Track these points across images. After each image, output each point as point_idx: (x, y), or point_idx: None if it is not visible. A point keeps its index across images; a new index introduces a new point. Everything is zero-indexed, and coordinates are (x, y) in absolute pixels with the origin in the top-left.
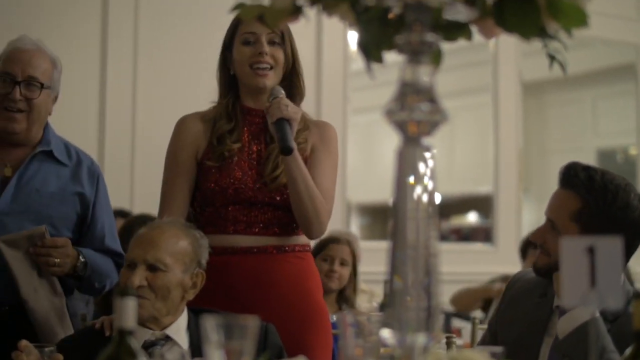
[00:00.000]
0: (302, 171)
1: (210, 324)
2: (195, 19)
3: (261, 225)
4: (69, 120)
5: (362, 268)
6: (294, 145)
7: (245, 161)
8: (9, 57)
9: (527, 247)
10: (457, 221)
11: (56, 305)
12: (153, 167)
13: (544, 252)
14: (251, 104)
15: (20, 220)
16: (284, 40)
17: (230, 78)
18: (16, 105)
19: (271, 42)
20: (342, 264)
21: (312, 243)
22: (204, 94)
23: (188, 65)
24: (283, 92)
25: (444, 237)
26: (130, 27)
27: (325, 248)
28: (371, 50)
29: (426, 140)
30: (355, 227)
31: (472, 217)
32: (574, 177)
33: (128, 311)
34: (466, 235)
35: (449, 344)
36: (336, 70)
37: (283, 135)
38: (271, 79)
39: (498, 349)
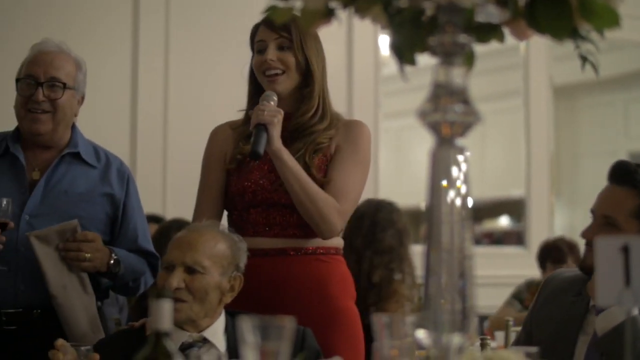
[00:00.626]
0: (293, 172)
1: (247, 325)
2: (227, 22)
3: (279, 227)
4: (101, 125)
5: None
6: (262, 150)
7: (266, 164)
8: (32, 60)
9: (545, 258)
10: (489, 225)
11: (86, 303)
12: (185, 171)
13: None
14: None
15: (49, 222)
16: (294, 44)
17: (257, 85)
18: (40, 106)
19: (280, 47)
20: None
21: None
22: (237, 98)
23: (220, 68)
24: (274, 97)
25: (476, 241)
26: (161, 30)
27: None
28: (404, 53)
29: (460, 142)
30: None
31: (504, 221)
32: (633, 173)
33: (164, 313)
34: (498, 238)
35: (483, 346)
36: (367, 75)
37: (255, 140)
38: (282, 84)
39: (533, 349)
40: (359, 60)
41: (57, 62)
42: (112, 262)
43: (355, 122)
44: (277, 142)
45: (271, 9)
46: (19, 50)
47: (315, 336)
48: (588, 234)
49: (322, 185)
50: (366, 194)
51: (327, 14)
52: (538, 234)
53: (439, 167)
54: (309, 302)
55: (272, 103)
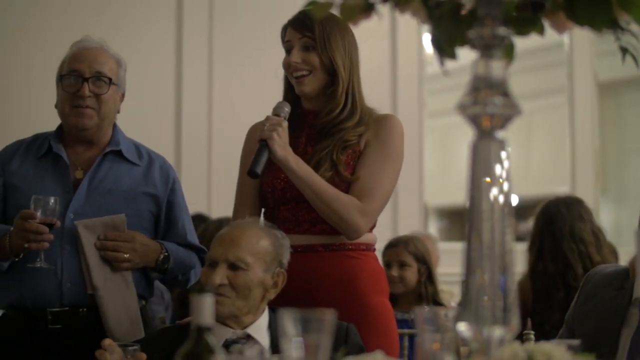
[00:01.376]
0: (304, 179)
1: (288, 319)
2: (270, 19)
3: (308, 223)
4: (146, 126)
5: (441, 269)
6: (259, 170)
7: None
8: (74, 56)
9: None
10: None
11: (126, 298)
12: (230, 170)
13: None
14: (308, 106)
15: None
16: (318, 44)
17: (291, 84)
18: (85, 101)
19: (305, 48)
20: (402, 265)
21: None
22: (280, 96)
23: (263, 66)
24: (285, 108)
25: (521, 238)
26: (205, 28)
27: (384, 255)
28: (444, 47)
29: (501, 134)
30: (434, 229)
31: None
32: None
33: (205, 308)
34: None
35: (525, 341)
36: (411, 74)
37: (254, 158)
38: (309, 85)
39: (575, 341)
40: (403, 58)
41: (100, 58)
42: (161, 257)
43: (387, 116)
44: (281, 153)
45: (311, 4)
46: (61, 55)
47: None
48: None
49: (350, 183)
50: (411, 193)
51: (367, 9)
52: None
53: (480, 160)
54: (338, 298)
55: (281, 115)
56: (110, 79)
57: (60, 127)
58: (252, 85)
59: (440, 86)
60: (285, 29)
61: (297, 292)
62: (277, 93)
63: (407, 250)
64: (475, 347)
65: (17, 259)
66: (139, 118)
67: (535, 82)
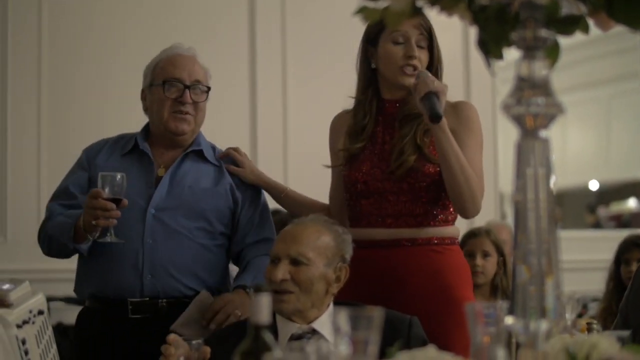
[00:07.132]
0: (452, 145)
1: (341, 316)
2: (343, 15)
3: (392, 217)
4: (221, 127)
5: None
6: (442, 113)
7: (376, 154)
8: (171, 63)
9: None
10: (616, 207)
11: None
12: (306, 169)
13: None
14: (388, 96)
15: (174, 215)
16: (429, 42)
17: (371, 71)
18: (185, 108)
19: (418, 45)
20: (485, 255)
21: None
22: (353, 92)
23: (338, 64)
24: (428, 73)
25: (602, 224)
26: (277, 27)
27: (465, 245)
28: (491, 48)
29: (544, 133)
30: (512, 217)
31: (632, 203)
32: None
33: (263, 307)
34: (626, 221)
35: (589, 330)
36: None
37: (432, 105)
38: (412, 80)
39: (625, 332)
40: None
41: (196, 67)
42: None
43: (462, 103)
44: (443, 111)
45: (362, 10)
46: (137, 57)
47: (431, 326)
48: None
49: (436, 165)
50: (486, 181)
51: (415, 13)
52: None
53: (524, 159)
54: (425, 293)
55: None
56: (208, 88)
57: (146, 128)
58: (325, 82)
59: (513, 74)
60: None
61: (383, 287)
62: (350, 90)
63: (490, 240)
64: (522, 340)
65: (92, 239)
66: (215, 120)
67: (612, 67)
